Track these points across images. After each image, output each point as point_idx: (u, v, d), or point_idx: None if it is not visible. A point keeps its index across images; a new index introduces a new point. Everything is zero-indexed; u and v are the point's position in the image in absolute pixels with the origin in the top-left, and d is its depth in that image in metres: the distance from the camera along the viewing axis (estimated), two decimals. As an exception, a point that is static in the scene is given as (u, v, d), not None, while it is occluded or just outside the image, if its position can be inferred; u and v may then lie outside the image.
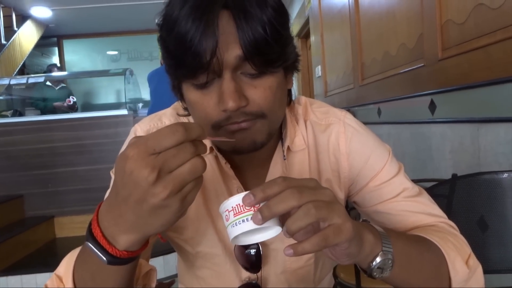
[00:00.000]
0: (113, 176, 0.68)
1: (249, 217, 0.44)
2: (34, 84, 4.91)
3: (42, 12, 6.13)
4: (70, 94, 5.15)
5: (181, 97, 0.62)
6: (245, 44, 0.51)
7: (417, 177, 1.82)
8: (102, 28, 7.29)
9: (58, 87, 5.07)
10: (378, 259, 0.50)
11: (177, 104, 0.72)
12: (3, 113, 4.87)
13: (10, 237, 2.99)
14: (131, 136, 0.71)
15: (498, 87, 1.34)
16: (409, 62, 2.01)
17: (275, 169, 0.68)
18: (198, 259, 0.72)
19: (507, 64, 1.28)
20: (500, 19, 1.31)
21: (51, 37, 7.56)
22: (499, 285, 1.28)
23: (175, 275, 2.76)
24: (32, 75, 5.84)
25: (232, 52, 0.52)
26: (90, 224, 0.46)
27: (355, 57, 2.89)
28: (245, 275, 0.71)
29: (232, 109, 0.52)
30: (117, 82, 5.27)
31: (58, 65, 6.77)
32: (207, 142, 0.64)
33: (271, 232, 0.47)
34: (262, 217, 0.43)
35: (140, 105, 4.79)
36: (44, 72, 5.99)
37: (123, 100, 4.35)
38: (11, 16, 5.76)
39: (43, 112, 4.72)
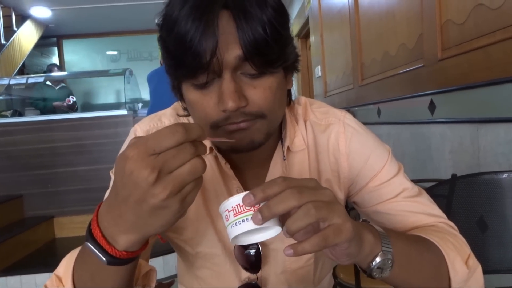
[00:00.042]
0: (112, 176, 0.68)
1: (249, 217, 0.44)
2: (34, 84, 4.91)
3: (42, 12, 6.13)
4: (70, 93, 5.14)
5: (180, 97, 0.62)
6: (245, 44, 0.51)
7: (417, 177, 1.83)
8: (102, 28, 7.29)
9: (58, 87, 5.07)
10: (377, 259, 0.50)
11: (177, 104, 0.72)
12: (3, 113, 4.87)
13: (10, 237, 2.99)
14: (130, 136, 0.71)
15: (498, 87, 1.34)
16: (409, 62, 2.01)
17: (275, 169, 0.68)
18: (197, 259, 0.72)
19: (507, 64, 1.28)
20: (500, 19, 1.31)
21: (50, 37, 7.56)
22: (499, 285, 1.28)
23: (175, 275, 2.76)
24: (32, 75, 5.84)
25: (232, 52, 0.52)
26: (89, 224, 0.46)
27: (355, 57, 2.89)
28: (245, 275, 0.71)
29: (232, 109, 0.52)
30: (117, 82, 5.27)
31: (58, 64, 6.77)
32: (207, 143, 0.64)
33: (271, 232, 0.47)
34: (262, 217, 0.43)
35: (140, 105, 4.79)
36: (44, 72, 5.99)
37: (123, 100, 4.34)
38: (10, 16, 5.75)
39: (43, 112, 4.72)
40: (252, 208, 0.44)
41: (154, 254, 2.74)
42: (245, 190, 0.47)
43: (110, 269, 0.47)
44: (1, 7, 5.55)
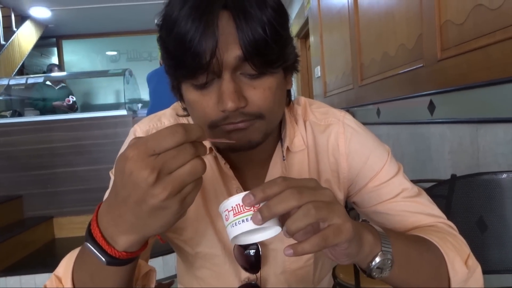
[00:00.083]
0: (112, 177, 0.68)
1: (249, 217, 0.44)
2: (34, 84, 4.90)
3: (41, 12, 6.13)
4: (70, 93, 5.14)
5: (180, 97, 0.62)
6: (244, 45, 0.51)
7: (416, 177, 1.83)
8: (102, 28, 7.29)
9: (58, 87, 5.06)
10: (377, 259, 0.50)
11: (177, 105, 0.72)
12: (2, 113, 4.86)
13: (9, 238, 2.99)
14: (130, 136, 0.71)
15: (497, 87, 1.35)
16: (408, 62, 2.01)
17: (275, 170, 0.68)
18: (197, 259, 0.72)
19: (506, 64, 1.28)
20: (499, 19, 1.31)
21: (50, 38, 7.55)
22: (499, 285, 1.28)
23: (174, 276, 2.76)
24: (31, 75, 5.83)
25: (231, 52, 0.52)
26: (89, 225, 0.46)
27: (354, 57, 2.89)
28: (245, 275, 0.71)
29: (231, 109, 0.52)
30: (116, 82, 5.26)
31: (58, 64, 6.77)
32: (206, 143, 0.64)
33: (270, 232, 0.47)
34: (262, 217, 0.43)
35: (140, 105, 4.79)
36: (45, 72, 5.98)
37: (122, 101, 4.34)
38: (10, 16, 5.75)
39: (43, 112, 4.71)
40: (252, 208, 0.44)
41: (154, 255, 2.74)
42: (245, 190, 0.47)
43: (109, 270, 0.47)
44: (1, 7, 5.55)
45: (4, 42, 5.48)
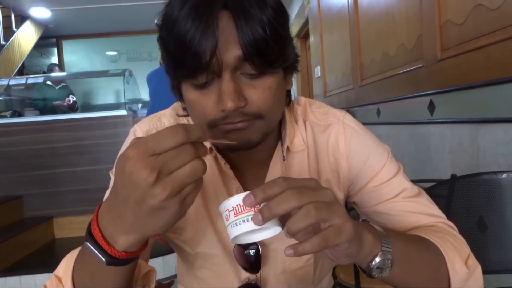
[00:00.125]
0: (112, 177, 0.68)
1: (250, 218, 0.44)
2: (34, 84, 4.90)
3: (41, 12, 6.13)
4: (70, 93, 5.13)
5: (180, 97, 0.62)
6: (244, 45, 0.51)
7: (416, 177, 1.83)
8: (101, 28, 7.29)
9: (58, 87, 5.05)
10: (377, 259, 0.50)
11: (177, 105, 0.72)
12: (2, 113, 4.86)
13: (9, 238, 2.99)
14: (130, 136, 0.71)
15: (497, 87, 1.35)
16: (408, 62, 2.01)
17: (275, 170, 0.68)
18: (197, 259, 0.72)
19: (506, 64, 1.28)
20: (499, 19, 1.31)
21: (50, 38, 7.55)
22: (498, 285, 1.28)
23: (174, 276, 2.76)
24: (31, 76, 5.83)
25: (231, 52, 0.52)
26: (89, 225, 0.46)
27: (354, 57, 2.89)
28: (245, 275, 0.71)
29: (231, 109, 0.52)
30: (116, 82, 5.26)
31: (59, 64, 6.76)
32: (207, 143, 0.64)
33: (271, 231, 0.47)
34: (263, 218, 0.43)
35: (139, 105, 4.78)
36: (45, 72, 5.97)
37: (122, 101, 4.34)
38: (10, 16, 5.75)
39: (43, 112, 4.70)
40: (253, 209, 0.44)
41: (154, 255, 2.74)
42: (245, 190, 0.47)
43: (109, 270, 0.47)
44: (1, 7, 5.55)
45: (4, 42, 5.48)
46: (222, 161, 0.66)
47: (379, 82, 2.43)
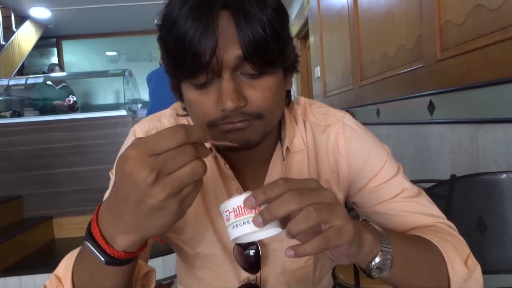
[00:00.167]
0: (112, 177, 0.69)
1: (250, 220, 0.44)
2: (34, 84, 4.90)
3: (41, 12, 6.13)
4: (70, 93, 5.12)
5: (180, 97, 0.62)
6: (244, 44, 0.51)
7: (416, 177, 1.83)
8: (101, 28, 7.28)
9: (58, 87, 5.05)
10: (377, 259, 0.50)
11: (176, 105, 0.72)
12: (2, 113, 4.86)
13: (9, 238, 2.99)
14: (130, 136, 0.71)
15: (497, 87, 1.35)
16: (408, 63, 2.01)
17: (274, 170, 0.68)
18: (197, 259, 0.72)
19: (506, 65, 1.28)
20: (499, 20, 1.31)
21: (50, 38, 7.54)
22: (498, 285, 1.28)
23: (174, 276, 2.75)
24: (31, 76, 5.83)
25: (231, 52, 0.52)
26: (89, 224, 0.46)
27: (354, 57, 2.89)
28: (244, 275, 0.71)
29: (231, 109, 0.52)
30: (116, 82, 5.26)
31: (60, 64, 6.75)
32: (207, 144, 0.64)
33: (271, 231, 0.47)
34: (263, 220, 0.43)
35: (139, 105, 4.78)
36: (44, 72, 5.96)
37: (122, 101, 4.34)
38: (10, 16, 5.74)
39: (43, 112, 4.69)
40: (253, 210, 0.44)
41: (154, 255, 2.74)
42: (245, 191, 0.47)
43: (109, 269, 0.47)
44: (1, 7, 5.55)
45: (4, 43, 5.47)
46: (222, 161, 0.66)
47: (379, 82, 2.43)
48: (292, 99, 0.72)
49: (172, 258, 2.88)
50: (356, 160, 0.70)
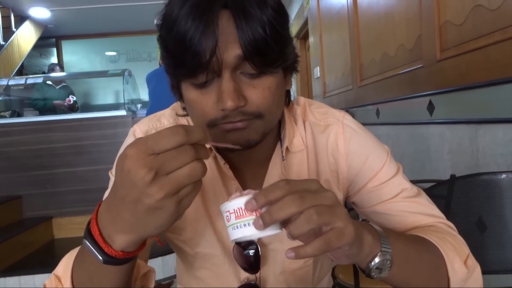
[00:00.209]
0: (111, 177, 0.69)
1: (251, 222, 0.44)
2: (34, 84, 4.90)
3: (41, 12, 6.12)
4: (70, 93, 5.12)
5: (180, 96, 0.62)
6: (245, 44, 0.51)
7: (416, 178, 1.83)
8: (101, 28, 7.28)
9: (59, 86, 5.05)
10: (376, 260, 0.50)
11: (176, 105, 0.72)
12: (2, 113, 4.86)
13: (8, 238, 2.99)
14: (129, 136, 0.71)
15: (496, 88, 1.35)
16: (408, 63, 2.01)
17: (274, 170, 0.68)
18: (197, 259, 0.72)
19: (505, 65, 1.28)
20: (499, 20, 1.31)
21: (49, 38, 7.54)
22: (498, 285, 1.28)
23: (174, 276, 2.75)
24: (31, 76, 5.83)
25: (231, 51, 0.52)
26: (89, 223, 0.46)
27: (354, 58, 2.89)
28: (244, 275, 0.71)
29: (231, 108, 0.52)
30: (116, 83, 5.26)
31: (61, 64, 6.75)
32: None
33: (271, 231, 0.47)
34: (264, 223, 0.43)
35: (139, 106, 4.78)
36: (44, 72, 5.95)
37: (122, 101, 4.34)
38: (9, 16, 5.74)
39: (43, 111, 4.69)
40: (254, 212, 0.44)
41: (153, 255, 2.74)
42: (244, 190, 0.47)
43: (107, 269, 0.47)
44: (0, 7, 5.55)
45: (3, 43, 5.47)
46: (221, 161, 0.66)
47: (379, 83, 2.43)
48: (292, 99, 0.72)
49: (171, 258, 2.87)
50: (355, 160, 0.70)
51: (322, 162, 0.71)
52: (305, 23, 4.61)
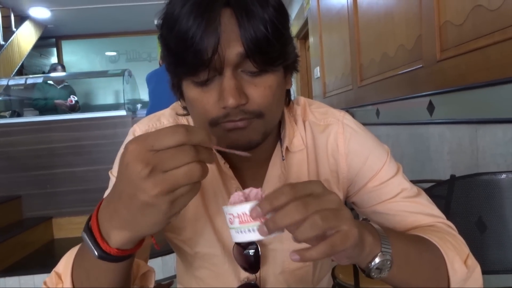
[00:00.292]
0: (111, 177, 0.69)
1: (255, 228, 0.44)
2: (34, 84, 4.89)
3: (41, 12, 6.12)
4: (72, 93, 5.10)
5: (180, 95, 0.62)
6: (246, 42, 0.51)
7: (416, 178, 1.83)
8: (101, 29, 7.29)
9: (60, 86, 5.04)
10: (377, 260, 0.50)
11: (176, 105, 0.72)
12: (2, 113, 4.85)
13: (8, 238, 2.99)
14: (129, 136, 0.71)
15: (496, 88, 1.35)
16: (408, 63, 2.01)
17: (274, 170, 0.69)
18: (196, 259, 0.72)
19: (505, 65, 1.28)
20: (498, 20, 1.31)
21: (49, 38, 7.54)
22: (497, 285, 1.28)
23: (174, 276, 2.75)
24: (31, 76, 5.83)
25: (233, 49, 0.52)
26: (89, 218, 0.47)
27: (354, 58, 2.89)
28: (244, 275, 0.71)
29: (232, 106, 0.53)
30: (116, 83, 5.26)
31: (62, 64, 6.74)
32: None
33: (274, 233, 0.48)
34: (268, 230, 0.43)
35: (139, 106, 4.78)
36: (44, 72, 5.94)
37: (122, 101, 4.34)
38: (9, 16, 5.75)
39: (44, 111, 4.68)
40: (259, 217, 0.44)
41: (153, 255, 2.74)
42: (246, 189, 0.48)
43: (103, 266, 0.47)
44: (0, 7, 5.55)
45: (3, 43, 5.47)
46: (221, 160, 0.66)
47: (379, 83, 2.43)
48: (292, 99, 0.72)
49: (171, 258, 2.87)
50: (355, 160, 0.70)
51: (322, 162, 0.71)
52: (305, 23, 4.61)
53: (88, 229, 0.46)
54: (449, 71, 1.63)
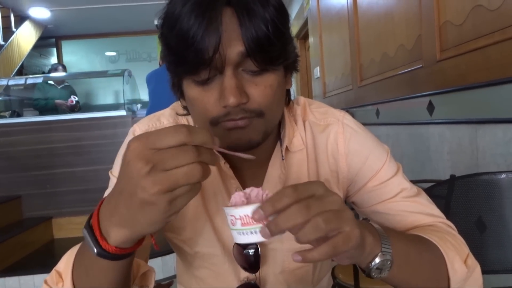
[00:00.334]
0: (111, 177, 0.69)
1: (258, 230, 0.44)
2: (34, 84, 4.89)
3: (41, 12, 6.13)
4: (72, 93, 5.11)
5: (180, 95, 0.62)
6: (248, 41, 0.52)
7: (416, 178, 1.83)
8: (101, 29, 7.29)
9: (60, 86, 5.04)
10: (377, 260, 0.50)
11: (176, 104, 0.73)
12: (2, 113, 4.85)
13: (8, 238, 2.98)
14: (129, 136, 0.71)
15: (496, 88, 1.35)
16: (408, 63, 2.01)
17: (274, 169, 0.69)
18: (196, 259, 0.72)
19: (505, 65, 1.28)
20: (498, 20, 1.31)
21: (49, 38, 7.55)
22: (497, 285, 1.28)
23: (174, 276, 2.76)
24: (31, 76, 5.82)
25: (234, 48, 0.52)
26: (91, 215, 0.47)
27: (354, 58, 2.89)
28: (244, 275, 0.71)
29: (233, 105, 0.53)
30: (116, 83, 5.26)
31: (64, 64, 6.74)
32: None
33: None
34: (270, 233, 0.43)
35: (139, 106, 4.78)
36: (44, 72, 5.94)
37: (122, 101, 4.34)
38: (9, 16, 5.75)
39: (44, 111, 4.68)
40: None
41: (153, 255, 2.74)
42: (246, 188, 0.48)
43: (102, 264, 0.47)
44: (0, 7, 5.55)
45: (3, 43, 5.47)
46: (221, 160, 0.66)
47: (379, 83, 2.43)
48: (292, 99, 0.72)
49: (171, 258, 2.87)
50: (355, 160, 0.70)
51: (322, 162, 0.71)
52: (305, 23, 4.61)
53: (89, 226, 0.46)
54: (449, 71, 1.63)
